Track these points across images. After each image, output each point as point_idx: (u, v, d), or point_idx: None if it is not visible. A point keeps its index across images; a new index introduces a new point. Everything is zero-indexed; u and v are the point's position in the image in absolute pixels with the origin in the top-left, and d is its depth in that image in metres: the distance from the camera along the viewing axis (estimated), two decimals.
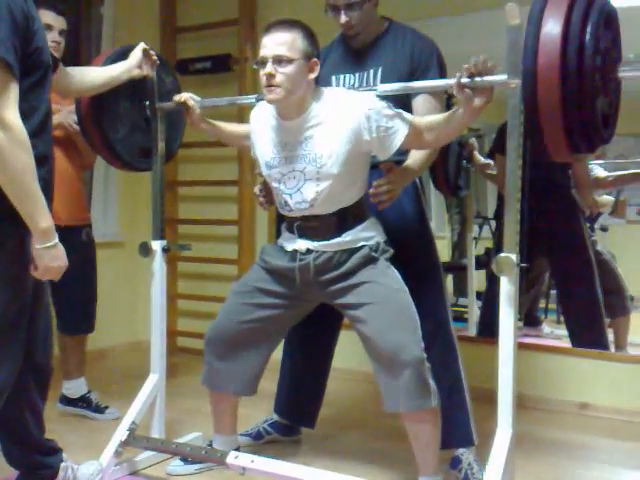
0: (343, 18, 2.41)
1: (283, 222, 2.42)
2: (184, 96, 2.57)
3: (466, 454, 2.53)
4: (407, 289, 2.26)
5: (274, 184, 2.31)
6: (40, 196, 1.83)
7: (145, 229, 3.06)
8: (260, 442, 2.89)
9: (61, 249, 1.93)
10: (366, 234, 2.27)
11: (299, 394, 2.92)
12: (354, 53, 2.52)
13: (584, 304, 3.68)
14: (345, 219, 2.25)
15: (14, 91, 1.78)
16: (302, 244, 2.30)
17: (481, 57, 1.99)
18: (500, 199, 3.99)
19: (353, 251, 2.26)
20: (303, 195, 2.23)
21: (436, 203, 4.34)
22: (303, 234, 2.30)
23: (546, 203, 3.58)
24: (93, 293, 3.26)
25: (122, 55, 2.65)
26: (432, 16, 3.58)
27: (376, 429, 3.14)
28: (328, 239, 2.26)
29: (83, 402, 3.29)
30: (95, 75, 2.54)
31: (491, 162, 3.99)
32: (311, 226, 2.27)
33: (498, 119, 3.29)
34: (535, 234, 3.19)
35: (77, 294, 3.05)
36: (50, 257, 1.89)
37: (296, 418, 2.95)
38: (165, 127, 2.74)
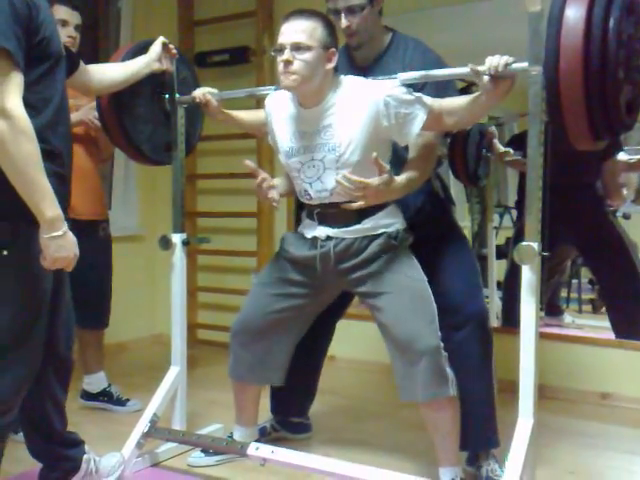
0: (344, 22, 2.34)
1: (303, 210, 2.41)
2: (199, 93, 2.56)
3: (484, 452, 2.48)
4: (425, 278, 2.25)
5: (294, 173, 2.30)
6: (46, 185, 1.80)
7: (165, 222, 3.07)
8: (265, 438, 2.77)
9: (70, 239, 1.90)
10: (386, 221, 2.25)
11: (291, 385, 2.71)
12: (359, 70, 2.42)
13: (623, 288, 3.70)
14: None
15: (16, 80, 1.76)
16: (322, 231, 2.29)
17: (502, 59, 1.98)
18: (521, 188, 3.97)
19: (373, 238, 2.24)
20: (324, 184, 2.22)
21: (456, 193, 4.31)
22: (323, 221, 2.29)
23: (571, 198, 3.58)
24: (108, 288, 3.27)
25: (141, 49, 2.66)
26: (446, 4, 3.58)
27: (394, 420, 3.13)
28: (348, 226, 2.25)
29: (104, 396, 3.30)
30: (115, 72, 2.54)
31: (510, 150, 3.95)
32: (331, 213, 2.26)
33: (518, 107, 3.26)
34: (558, 222, 3.17)
35: (92, 288, 3.05)
36: (56, 247, 1.85)
37: (289, 411, 2.90)
38: (185, 120, 2.74)
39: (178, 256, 2.75)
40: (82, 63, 2.41)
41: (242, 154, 4.30)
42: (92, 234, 3.04)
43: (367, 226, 2.24)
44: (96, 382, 3.30)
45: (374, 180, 2.09)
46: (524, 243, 1.98)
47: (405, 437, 2.90)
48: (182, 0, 4.55)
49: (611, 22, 1.80)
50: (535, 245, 1.96)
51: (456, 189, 4.23)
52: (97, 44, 4.47)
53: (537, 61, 1.91)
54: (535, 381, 2.02)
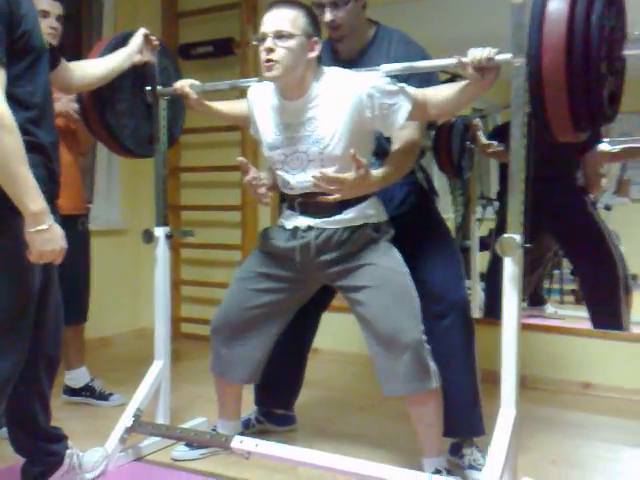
0: (328, 16, 2.33)
1: (284, 202, 2.40)
2: (181, 85, 2.54)
3: (467, 441, 2.50)
4: (408, 270, 2.25)
5: (277, 165, 2.29)
6: (29, 179, 1.78)
7: (148, 216, 3.06)
8: (249, 431, 2.78)
9: (56, 232, 1.88)
10: (368, 212, 2.24)
11: (277, 378, 2.79)
12: (343, 64, 2.36)
13: (601, 279, 3.73)
14: None
15: None
16: (303, 221, 2.28)
17: (485, 51, 1.98)
18: (502, 179, 3.98)
19: (354, 229, 2.23)
20: (307, 176, 2.20)
21: (439, 185, 4.32)
22: (304, 211, 2.28)
23: (551, 188, 3.60)
24: (87, 283, 3.25)
25: (123, 41, 2.63)
26: None
27: (378, 411, 3.15)
28: (329, 216, 2.23)
29: (87, 391, 3.29)
30: (96, 68, 2.51)
31: (494, 143, 3.97)
32: (312, 203, 2.24)
33: (502, 99, 3.27)
34: (538, 213, 3.20)
35: (71, 284, 3.02)
36: (42, 241, 1.83)
37: (274, 403, 2.90)
38: (167, 112, 2.72)
39: (161, 249, 2.73)
40: (63, 60, 2.39)
41: (226, 146, 4.33)
42: (71, 229, 2.99)
43: (348, 216, 2.23)
44: (78, 377, 3.28)
45: (350, 175, 2.08)
46: (506, 235, 1.97)
47: (389, 428, 2.91)
48: None
49: (593, 14, 1.81)
50: (517, 237, 1.96)
51: (439, 181, 4.24)
52: (80, 36, 4.42)
53: (520, 53, 1.91)
54: (517, 371, 2.03)
